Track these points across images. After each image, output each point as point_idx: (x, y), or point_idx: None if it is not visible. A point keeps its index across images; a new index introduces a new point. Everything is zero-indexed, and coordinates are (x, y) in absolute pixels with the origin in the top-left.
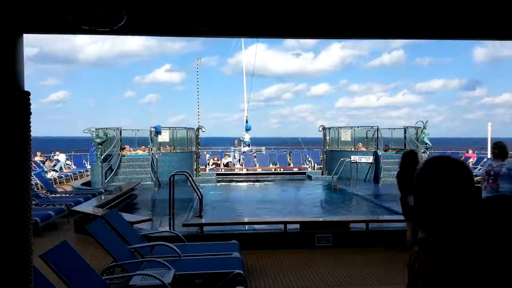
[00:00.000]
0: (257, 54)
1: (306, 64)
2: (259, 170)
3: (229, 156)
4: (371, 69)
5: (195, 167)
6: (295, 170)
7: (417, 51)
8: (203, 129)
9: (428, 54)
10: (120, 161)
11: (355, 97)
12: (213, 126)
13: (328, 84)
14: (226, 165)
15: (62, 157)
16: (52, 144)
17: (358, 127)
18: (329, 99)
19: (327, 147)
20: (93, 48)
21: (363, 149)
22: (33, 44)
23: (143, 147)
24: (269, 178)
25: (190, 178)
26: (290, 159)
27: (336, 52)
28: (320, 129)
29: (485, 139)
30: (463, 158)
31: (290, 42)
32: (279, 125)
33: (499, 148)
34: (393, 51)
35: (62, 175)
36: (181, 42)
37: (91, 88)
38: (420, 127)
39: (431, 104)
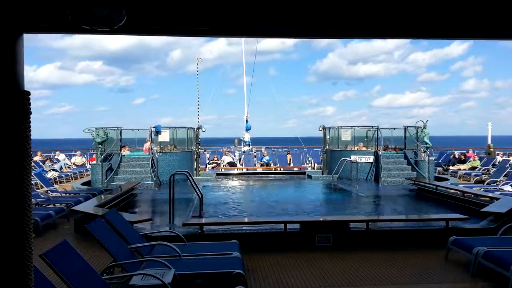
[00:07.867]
0: (329, 58)
1: (386, 67)
2: (259, 170)
3: (230, 154)
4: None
5: (195, 166)
6: (295, 169)
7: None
8: (203, 129)
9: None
10: (120, 161)
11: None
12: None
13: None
14: (230, 163)
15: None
16: None
17: (358, 126)
18: (367, 99)
19: (327, 147)
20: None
21: (364, 148)
22: None
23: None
24: (269, 178)
25: (190, 177)
26: (290, 158)
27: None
28: (320, 129)
29: (485, 137)
30: (463, 158)
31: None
32: (297, 124)
33: None
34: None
35: (62, 175)
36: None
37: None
38: (420, 127)
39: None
